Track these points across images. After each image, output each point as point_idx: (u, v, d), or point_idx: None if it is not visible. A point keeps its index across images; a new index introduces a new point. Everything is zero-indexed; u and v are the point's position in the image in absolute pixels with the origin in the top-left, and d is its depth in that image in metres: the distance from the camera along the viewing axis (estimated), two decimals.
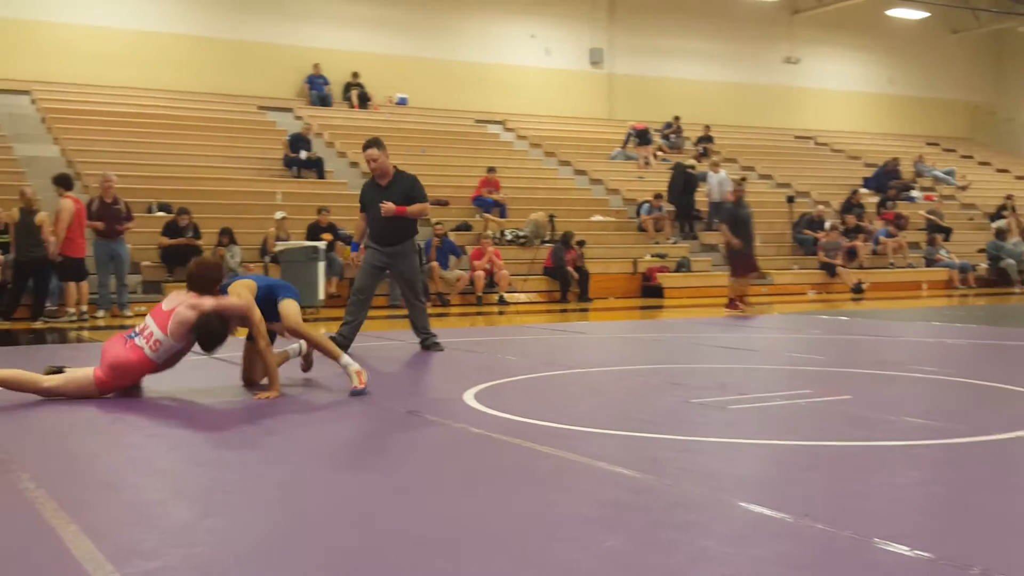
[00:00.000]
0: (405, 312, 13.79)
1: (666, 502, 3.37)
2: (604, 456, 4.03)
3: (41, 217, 12.11)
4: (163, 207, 15.39)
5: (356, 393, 5.74)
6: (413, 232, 8.26)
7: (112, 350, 5.81)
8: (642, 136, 23.33)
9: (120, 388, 5.83)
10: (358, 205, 17.43)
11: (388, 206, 7.89)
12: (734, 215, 13.33)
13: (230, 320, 5.82)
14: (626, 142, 23.47)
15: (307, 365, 6.65)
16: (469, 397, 5.58)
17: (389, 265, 8.18)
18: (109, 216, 12.71)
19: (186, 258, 13.98)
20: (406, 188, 8.05)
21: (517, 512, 3.24)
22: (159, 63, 20.50)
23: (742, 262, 13.25)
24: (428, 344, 8.30)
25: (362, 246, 8.36)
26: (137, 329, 5.91)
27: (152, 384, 6.16)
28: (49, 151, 17.07)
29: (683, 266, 18.02)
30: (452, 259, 15.73)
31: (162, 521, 3.15)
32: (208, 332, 5.73)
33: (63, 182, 12.42)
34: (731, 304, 13.28)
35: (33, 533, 3.00)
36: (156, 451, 4.38)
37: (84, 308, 12.36)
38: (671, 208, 19.55)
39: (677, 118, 24.70)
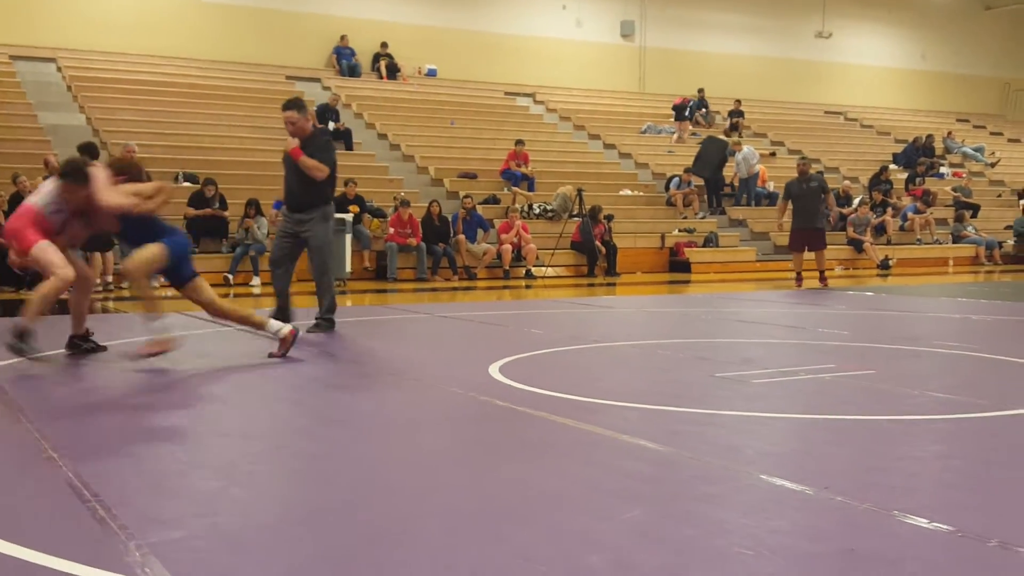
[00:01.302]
0: (432, 286, 13.97)
1: (687, 475, 3.39)
2: (626, 429, 4.05)
3: None
4: (189, 177, 15.47)
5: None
6: (324, 200, 7.68)
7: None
8: (678, 111, 23.28)
9: (25, 248, 5.86)
10: (386, 177, 17.37)
11: (291, 140, 7.52)
12: (790, 191, 13.44)
13: (97, 182, 5.86)
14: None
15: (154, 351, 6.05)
16: (494, 370, 5.61)
17: (299, 233, 7.66)
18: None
19: (212, 229, 14.17)
20: (313, 149, 7.59)
21: (539, 484, 3.27)
22: (186, 31, 20.55)
23: (792, 238, 13.42)
24: (317, 324, 7.59)
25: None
26: None
27: (177, 354, 6.24)
28: (74, 119, 17.19)
29: (711, 241, 17.94)
30: (480, 232, 15.74)
31: (186, 491, 3.19)
32: (73, 161, 6.10)
33: (89, 151, 12.48)
34: (820, 279, 13.39)
35: (59, 503, 3.06)
36: (180, 421, 4.44)
37: (110, 278, 12.49)
38: (699, 182, 19.46)
39: (701, 90, 24.47)
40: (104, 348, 6.33)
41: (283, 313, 7.65)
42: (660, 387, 5.36)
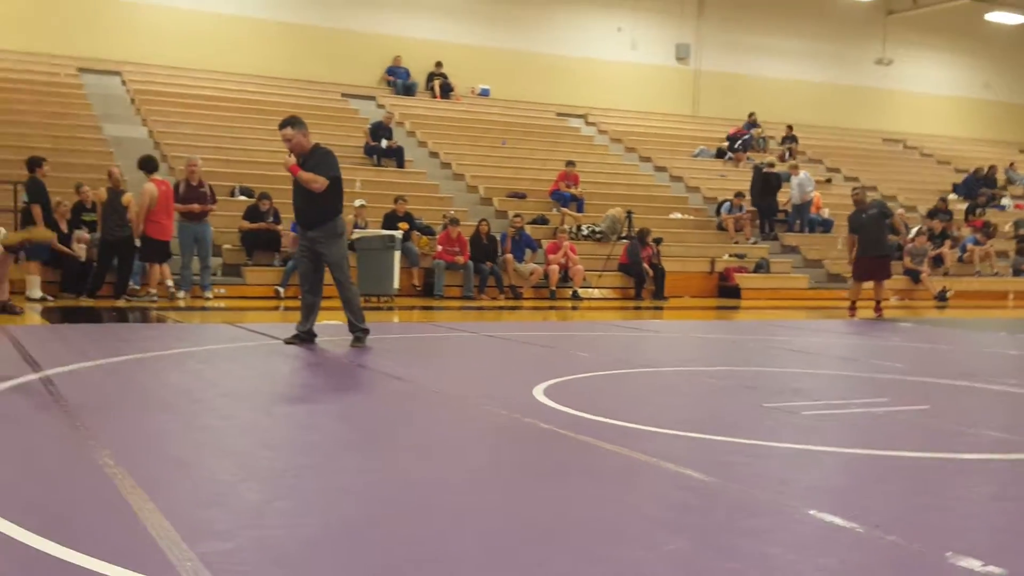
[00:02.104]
0: (479, 304, 13.98)
1: (733, 506, 3.33)
2: (672, 457, 4.00)
3: (127, 198, 12.45)
4: (245, 191, 15.71)
5: None
6: (332, 214, 7.67)
7: None
8: (732, 141, 23.21)
9: None
10: (436, 195, 17.47)
11: (288, 159, 7.59)
12: (852, 223, 13.24)
13: None
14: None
15: None
16: (539, 392, 5.58)
17: (314, 249, 7.68)
18: (194, 198, 13.02)
19: (266, 242, 14.36)
20: (313, 164, 7.59)
21: (581, 509, 3.24)
22: (247, 48, 20.93)
23: (856, 266, 13.14)
24: (355, 339, 7.72)
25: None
26: None
27: (226, 367, 6.30)
28: (137, 132, 17.57)
29: (762, 267, 17.75)
30: (528, 252, 15.75)
31: (235, 502, 3.22)
32: None
33: (147, 165, 12.72)
34: (876, 308, 13.11)
35: (111, 510, 3.09)
36: (229, 433, 4.48)
37: (170, 283, 12.69)
38: (752, 208, 19.30)
39: (752, 115, 24.29)
40: None
41: (306, 330, 7.76)
42: (706, 415, 5.29)
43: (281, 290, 13.66)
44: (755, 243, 18.84)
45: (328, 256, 7.68)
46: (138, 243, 12.42)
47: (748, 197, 19.33)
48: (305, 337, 7.75)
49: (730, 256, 17.86)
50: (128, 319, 10.45)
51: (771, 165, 20.04)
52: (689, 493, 3.47)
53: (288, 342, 7.68)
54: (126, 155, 15.21)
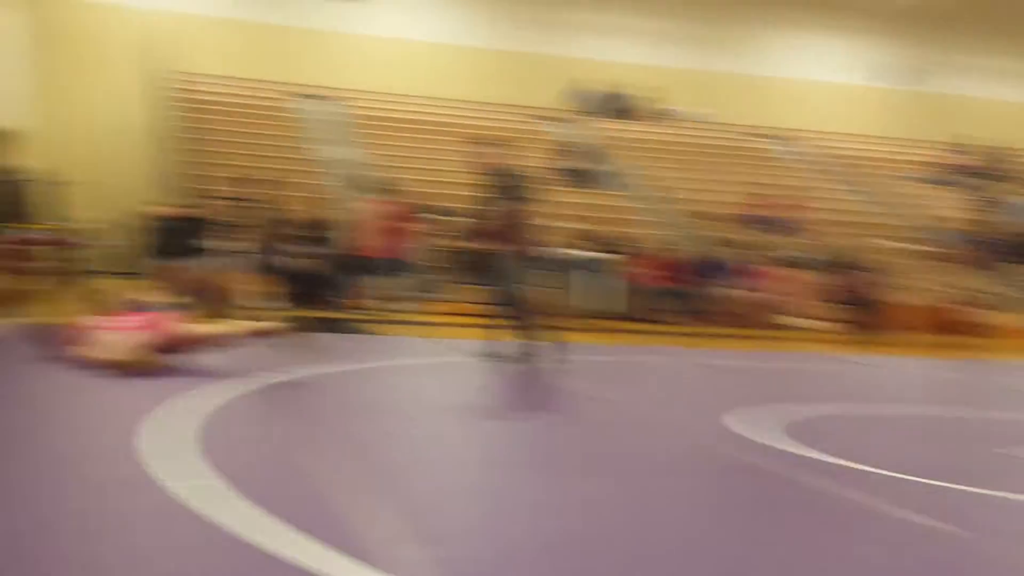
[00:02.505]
0: (679, 329, 13.61)
1: (983, 564, 2.92)
2: (905, 504, 3.59)
3: (344, 216, 12.91)
4: (447, 211, 16.02)
5: None
6: (521, 235, 7.80)
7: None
8: (955, 167, 21.76)
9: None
10: (633, 218, 17.27)
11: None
12: None
13: None
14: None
15: None
16: (746, 422, 5.24)
17: (504, 269, 7.86)
18: (399, 217, 13.36)
19: (468, 261, 14.54)
20: (505, 188, 7.75)
21: (804, 558, 2.93)
22: (448, 74, 21.67)
23: None
24: (549, 359, 7.59)
25: None
26: None
27: (427, 380, 6.30)
28: (352, 154, 18.33)
29: (996, 302, 16.34)
30: (731, 278, 15.23)
31: (446, 514, 3.20)
32: None
33: (368, 185, 13.20)
34: None
35: (343, 509, 3.12)
36: (434, 445, 4.45)
37: (385, 298, 13.07)
38: (980, 239, 17.93)
39: (975, 138, 22.63)
40: None
41: (506, 349, 7.77)
42: (939, 460, 4.79)
43: (481, 307, 13.77)
44: (985, 276, 17.46)
45: (514, 277, 7.82)
46: (356, 260, 12.86)
47: (975, 226, 18.00)
48: (504, 355, 7.72)
49: (956, 289, 16.59)
50: (339, 331, 10.76)
51: (998, 192, 18.60)
52: (932, 546, 3.08)
53: (488, 358, 7.66)
54: (341, 176, 15.87)
